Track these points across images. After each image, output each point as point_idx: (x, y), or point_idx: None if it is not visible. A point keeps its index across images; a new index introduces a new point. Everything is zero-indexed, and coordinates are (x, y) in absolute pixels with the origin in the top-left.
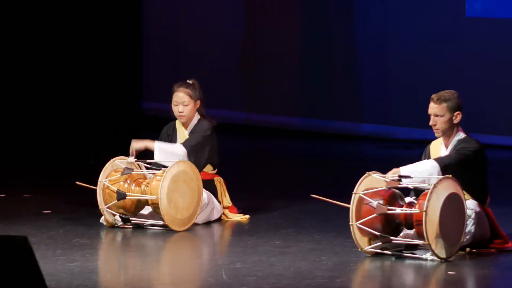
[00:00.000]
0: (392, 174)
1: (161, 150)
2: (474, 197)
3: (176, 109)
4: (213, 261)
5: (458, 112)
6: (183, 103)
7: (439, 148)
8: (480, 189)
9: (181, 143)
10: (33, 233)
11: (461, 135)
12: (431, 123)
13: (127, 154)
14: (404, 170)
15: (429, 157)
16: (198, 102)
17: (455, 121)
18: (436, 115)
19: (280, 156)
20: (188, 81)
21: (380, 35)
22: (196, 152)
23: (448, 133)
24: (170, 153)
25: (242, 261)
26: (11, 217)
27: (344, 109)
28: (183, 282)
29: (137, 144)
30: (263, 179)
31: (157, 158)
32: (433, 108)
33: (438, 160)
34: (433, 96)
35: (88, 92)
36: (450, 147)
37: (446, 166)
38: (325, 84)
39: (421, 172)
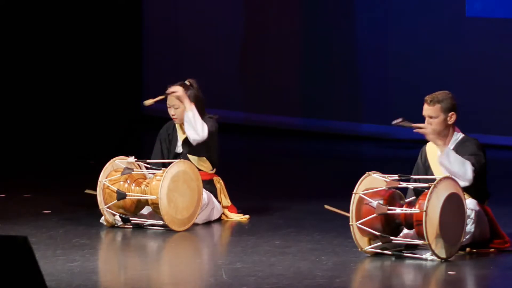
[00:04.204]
0: (441, 147)
1: (190, 117)
2: (473, 195)
3: (169, 111)
4: (213, 261)
5: (452, 112)
6: (173, 106)
7: (435, 148)
8: (480, 187)
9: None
10: (33, 233)
11: (458, 135)
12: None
13: (127, 154)
14: (450, 152)
15: (425, 158)
16: (192, 104)
17: (450, 122)
18: (430, 117)
19: (280, 156)
20: (186, 81)
21: (380, 35)
22: (211, 139)
23: (443, 133)
24: (195, 125)
25: (242, 261)
26: (11, 217)
27: (344, 109)
28: (183, 282)
29: (179, 92)
30: (263, 179)
31: (185, 120)
32: (427, 109)
33: (472, 165)
34: (427, 97)
35: (88, 92)
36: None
37: (476, 170)
38: (325, 84)
39: (459, 164)
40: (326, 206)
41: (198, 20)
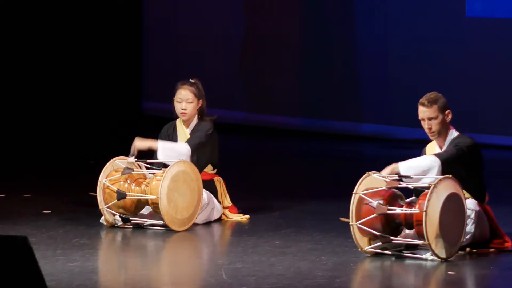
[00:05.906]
0: (391, 170)
1: (165, 149)
2: (472, 195)
3: (179, 106)
4: (213, 261)
5: (448, 111)
6: (187, 100)
7: (434, 149)
8: (478, 187)
9: (185, 142)
10: (33, 233)
11: (453, 133)
12: (426, 127)
13: (127, 154)
14: (402, 165)
15: None
16: (201, 101)
17: (448, 120)
18: (430, 118)
19: (280, 156)
20: (190, 80)
21: (380, 35)
22: (199, 151)
23: (443, 133)
24: (173, 151)
25: (242, 261)
26: (11, 217)
27: (344, 109)
28: (183, 282)
29: (140, 144)
30: (263, 179)
31: (160, 157)
32: (425, 112)
33: (437, 155)
34: (422, 100)
35: (88, 92)
36: (445, 147)
37: (446, 161)
38: (325, 84)
39: (421, 167)
40: (342, 219)
41: (198, 20)
